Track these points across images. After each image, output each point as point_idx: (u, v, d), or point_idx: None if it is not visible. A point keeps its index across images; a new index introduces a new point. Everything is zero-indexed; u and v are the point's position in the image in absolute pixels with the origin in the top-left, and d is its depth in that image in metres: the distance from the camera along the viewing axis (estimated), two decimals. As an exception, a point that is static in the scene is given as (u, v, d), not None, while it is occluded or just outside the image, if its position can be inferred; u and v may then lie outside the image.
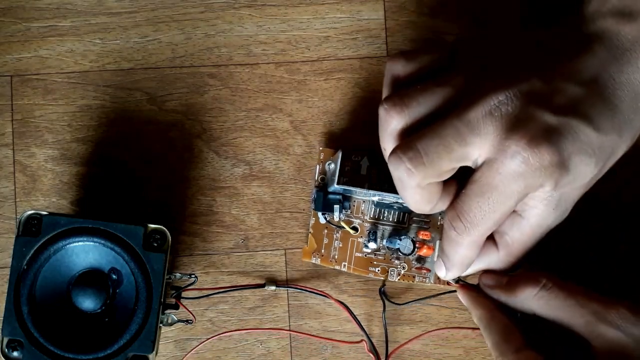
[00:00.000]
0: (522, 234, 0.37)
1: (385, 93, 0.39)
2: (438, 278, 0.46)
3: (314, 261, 0.46)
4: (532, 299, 0.38)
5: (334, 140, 0.47)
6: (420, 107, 0.35)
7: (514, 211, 0.36)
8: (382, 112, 0.36)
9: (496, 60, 0.36)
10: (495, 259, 0.38)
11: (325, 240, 0.46)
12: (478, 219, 0.35)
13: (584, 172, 0.34)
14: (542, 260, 0.42)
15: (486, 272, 0.40)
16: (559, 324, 0.37)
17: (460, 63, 0.37)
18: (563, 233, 0.40)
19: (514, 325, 0.39)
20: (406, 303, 0.46)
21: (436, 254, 0.46)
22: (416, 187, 0.35)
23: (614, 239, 0.46)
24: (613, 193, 0.46)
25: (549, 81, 0.34)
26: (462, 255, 0.37)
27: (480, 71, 0.35)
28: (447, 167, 0.34)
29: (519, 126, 0.33)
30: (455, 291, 0.46)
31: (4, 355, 0.40)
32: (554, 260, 0.45)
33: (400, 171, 0.35)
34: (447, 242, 0.37)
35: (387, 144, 0.37)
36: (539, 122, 0.33)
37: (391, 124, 0.36)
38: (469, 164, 0.35)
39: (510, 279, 0.39)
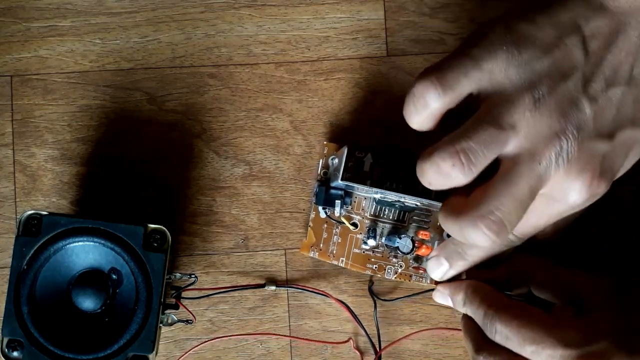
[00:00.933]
0: (538, 217, 0.37)
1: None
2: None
3: (312, 255, 0.46)
4: (528, 263, 0.42)
5: (337, 138, 0.47)
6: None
7: None
8: (420, 87, 0.36)
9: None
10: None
11: (325, 235, 0.46)
12: (500, 212, 0.34)
13: (627, 168, 0.37)
14: (557, 251, 0.43)
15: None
16: (550, 287, 0.41)
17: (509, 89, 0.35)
18: (578, 224, 0.41)
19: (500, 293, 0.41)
20: (394, 299, 0.46)
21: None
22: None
23: (629, 230, 0.47)
24: (630, 188, 0.46)
25: (592, 101, 0.34)
26: (482, 256, 0.40)
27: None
28: (485, 150, 0.34)
29: (580, 166, 0.34)
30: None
31: (4, 355, 0.40)
32: (569, 251, 0.45)
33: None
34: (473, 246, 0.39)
35: (421, 119, 0.38)
36: (595, 156, 0.34)
37: (433, 109, 0.36)
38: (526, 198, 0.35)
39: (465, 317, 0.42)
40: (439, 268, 0.41)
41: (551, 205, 0.36)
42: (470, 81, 0.34)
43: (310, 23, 0.48)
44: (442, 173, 0.34)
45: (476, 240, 0.34)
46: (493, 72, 0.34)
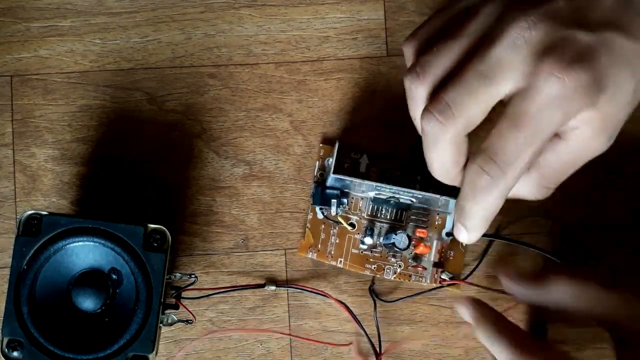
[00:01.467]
0: (559, 159, 0.34)
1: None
2: (435, 278, 0.46)
3: (310, 256, 0.46)
4: (565, 291, 0.35)
5: (334, 140, 0.47)
6: (440, 67, 0.33)
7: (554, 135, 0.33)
8: (406, 83, 0.35)
9: None
10: (526, 188, 0.35)
11: (322, 236, 0.46)
12: (514, 155, 0.32)
13: (623, 86, 0.32)
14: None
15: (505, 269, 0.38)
16: (593, 317, 0.35)
17: (475, 6, 0.34)
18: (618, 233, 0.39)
19: (526, 332, 0.36)
20: (395, 300, 0.46)
21: (433, 251, 0.46)
22: (449, 142, 0.33)
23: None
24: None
25: None
26: (490, 207, 0.34)
27: (496, 6, 0.33)
28: (478, 111, 0.32)
29: (550, 50, 0.31)
30: (443, 286, 0.46)
31: (4, 355, 0.40)
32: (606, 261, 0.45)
33: (432, 126, 0.33)
34: (473, 196, 0.33)
35: (417, 112, 0.35)
36: (571, 43, 0.31)
37: (417, 94, 0.34)
38: (500, 99, 0.33)
39: (538, 273, 0.36)
40: (461, 231, 0.36)
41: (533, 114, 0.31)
42: None
43: (310, 23, 0.48)
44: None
45: (427, 127, 0.33)
46: None
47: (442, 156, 0.34)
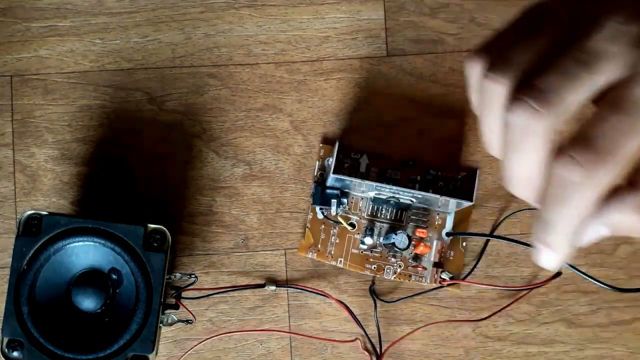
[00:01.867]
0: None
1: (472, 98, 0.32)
2: (435, 278, 0.46)
3: (310, 256, 0.46)
4: None
5: (334, 140, 0.47)
6: (524, 60, 0.30)
7: None
8: (487, 82, 0.30)
9: None
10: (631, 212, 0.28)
11: (322, 236, 0.46)
12: (615, 142, 0.27)
13: None
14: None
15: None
16: None
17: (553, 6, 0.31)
18: None
19: None
20: (395, 300, 0.46)
21: (433, 251, 0.46)
22: (541, 135, 0.28)
23: None
24: None
25: None
26: (581, 211, 0.28)
27: (578, 3, 0.30)
28: (576, 99, 0.29)
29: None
30: (443, 286, 0.46)
31: (4, 355, 0.40)
32: None
33: (525, 116, 0.28)
34: (562, 198, 0.28)
35: (490, 114, 0.30)
36: None
37: (495, 90, 0.29)
38: (600, 86, 0.29)
39: None
40: (543, 253, 0.29)
41: None
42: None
43: (310, 23, 0.48)
44: (485, 91, 0.30)
45: (518, 118, 0.28)
46: None
47: (530, 157, 0.29)
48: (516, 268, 0.47)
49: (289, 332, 0.46)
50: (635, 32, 0.29)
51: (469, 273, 0.46)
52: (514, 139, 0.29)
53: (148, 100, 0.47)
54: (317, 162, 0.47)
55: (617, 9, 0.29)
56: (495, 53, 0.31)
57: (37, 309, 0.40)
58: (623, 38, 0.29)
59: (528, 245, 0.46)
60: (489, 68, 0.30)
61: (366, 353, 0.46)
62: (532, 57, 0.30)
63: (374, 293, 0.46)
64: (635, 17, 0.29)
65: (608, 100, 0.29)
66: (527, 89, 0.29)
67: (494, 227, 0.47)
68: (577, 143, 0.28)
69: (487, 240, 0.47)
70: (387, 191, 0.44)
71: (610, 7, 0.30)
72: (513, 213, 0.47)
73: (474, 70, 0.31)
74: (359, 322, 0.46)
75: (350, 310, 0.46)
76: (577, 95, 0.29)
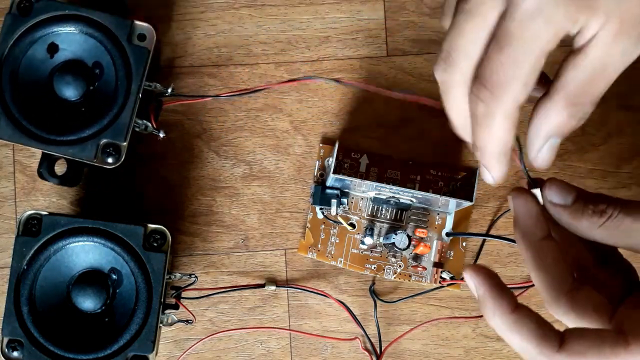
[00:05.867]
0: (583, 73, 0.30)
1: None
2: (435, 278, 0.46)
3: (310, 256, 0.46)
4: (595, 230, 0.33)
5: (334, 140, 0.47)
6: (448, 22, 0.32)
7: (572, 51, 0.30)
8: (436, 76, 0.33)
9: None
10: (555, 115, 0.31)
11: (322, 236, 0.46)
12: (503, 76, 0.30)
13: None
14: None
15: (553, 182, 0.34)
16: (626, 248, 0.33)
17: None
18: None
19: (566, 260, 0.33)
20: (395, 301, 0.46)
21: (433, 251, 0.46)
22: (456, 87, 0.32)
23: None
24: None
25: None
26: (497, 137, 0.31)
27: None
28: (471, 48, 0.31)
29: None
30: (443, 286, 0.46)
31: (4, 355, 0.40)
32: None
33: (440, 76, 0.32)
34: (477, 128, 0.32)
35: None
36: None
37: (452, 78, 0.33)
38: (488, 30, 0.31)
39: (576, 202, 0.33)
40: (484, 172, 0.34)
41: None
42: None
43: (310, 23, 0.48)
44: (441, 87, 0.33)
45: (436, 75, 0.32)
46: None
47: (454, 105, 0.33)
48: (515, 268, 0.47)
49: (289, 330, 0.46)
50: None
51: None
52: (441, 92, 0.33)
53: (148, 100, 0.47)
54: (317, 162, 0.47)
55: None
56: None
57: (37, 309, 0.40)
58: None
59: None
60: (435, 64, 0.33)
61: (366, 353, 0.46)
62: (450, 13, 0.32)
63: (374, 293, 0.46)
64: None
65: (493, 39, 0.30)
66: (439, 53, 0.32)
67: (490, 227, 0.47)
68: (475, 81, 0.31)
69: (484, 240, 0.47)
70: (387, 191, 0.44)
71: None
72: (508, 211, 0.47)
73: None
74: (359, 322, 0.46)
75: (350, 310, 0.46)
76: (470, 43, 0.31)
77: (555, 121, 0.31)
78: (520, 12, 0.29)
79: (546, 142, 0.32)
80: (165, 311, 0.43)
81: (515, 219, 0.33)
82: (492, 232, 0.47)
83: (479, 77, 0.31)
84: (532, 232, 0.33)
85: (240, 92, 0.47)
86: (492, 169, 0.33)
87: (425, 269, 0.46)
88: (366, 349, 0.46)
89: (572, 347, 0.30)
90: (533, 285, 0.36)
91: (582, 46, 0.30)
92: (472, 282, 0.33)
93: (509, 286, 0.45)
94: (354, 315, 0.46)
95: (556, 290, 0.32)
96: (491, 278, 0.33)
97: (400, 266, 0.46)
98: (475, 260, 0.47)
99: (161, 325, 0.42)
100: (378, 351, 0.46)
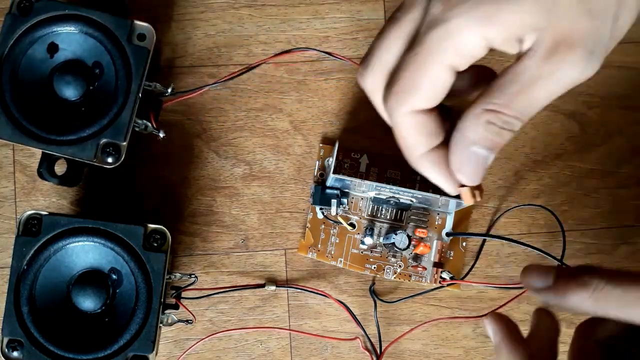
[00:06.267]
0: (508, 81, 0.28)
1: None
2: (435, 278, 0.46)
3: (310, 256, 0.46)
4: (585, 302, 0.32)
5: (334, 140, 0.47)
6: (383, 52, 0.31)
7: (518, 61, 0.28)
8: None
9: None
10: (475, 120, 0.29)
11: (322, 236, 0.46)
12: (407, 81, 0.29)
13: None
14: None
15: (530, 269, 0.33)
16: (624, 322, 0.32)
17: None
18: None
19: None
20: (395, 301, 0.46)
21: (433, 251, 0.46)
22: (368, 91, 0.32)
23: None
24: None
25: None
26: (407, 137, 0.31)
27: None
28: (389, 53, 0.31)
29: None
30: (444, 286, 0.46)
31: (4, 355, 0.40)
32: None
33: (359, 80, 0.32)
34: (393, 133, 0.31)
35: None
36: None
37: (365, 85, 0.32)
38: (407, 36, 0.30)
39: (558, 281, 0.32)
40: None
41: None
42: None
43: (310, 23, 0.48)
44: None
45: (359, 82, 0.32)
46: None
47: (378, 109, 0.33)
48: (516, 268, 0.47)
49: (289, 329, 0.46)
50: None
51: (468, 272, 0.46)
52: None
53: (148, 100, 0.47)
54: (317, 162, 0.47)
55: None
56: None
57: (37, 309, 0.40)
58: None
59: (528, 245, 0.46)
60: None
61: (366, 353, 0.46)
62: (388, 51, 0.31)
63: (374, 293, 0.46)
64: None
65: (407, 46, 0.30)
66: (361, 61, 0.32)
67: (490, 227, 0.47)
68: (389, 81, 0.30)
69: (484, 240, 0.47)
70: (387, 191, 0.44)
71: None
72: (508, 210, 0.47)
73: None
74: (359, 322, 0.46)
75: (350, 311, 0.46)
76: (388, 49, 0.30)
77: (473, 126, 0.29)
78: (427, 22, 0.28)
79: (466, 149, 0.29)
80: (165, 311, 0.43)
81: None
82: (492, 232, 0.47)
83: (391, 78, 0.30)
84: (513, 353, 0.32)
85: (232, 76, 0.47)
86: (415, 166, 0.31)
87: (425, 269, 0.46)
88: (366, 349, 0.46)
89: None
90: None
91: (518, 56, 0.28)
92: (491, 328, 0.33)
93: (508, 286, 0.46)
94: (354, 315, 0.46)
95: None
96: (509, 327, 0.34)
97: (400, 266, 0.46)
98: (475, 260, 0.47)
99: (161, 325, 0.42)
100: (378, 351, 0.46)
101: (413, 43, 0.29)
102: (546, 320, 0.35)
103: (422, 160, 0.31)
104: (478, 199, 0.32)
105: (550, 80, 0.27)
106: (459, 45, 0.27)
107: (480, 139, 0.29)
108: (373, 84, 0.32)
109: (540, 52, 0.27)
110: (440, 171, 0.31)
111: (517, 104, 0.28)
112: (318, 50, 0.48)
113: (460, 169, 0.30)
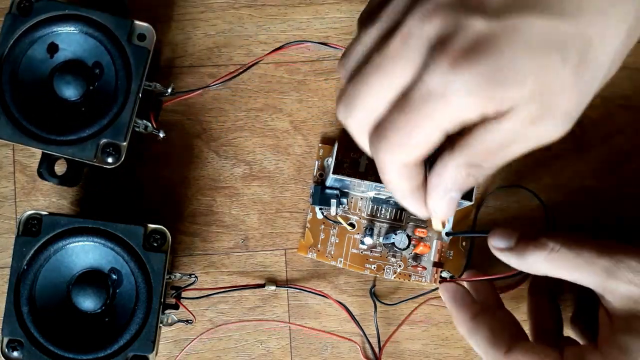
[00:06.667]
0: (487, 138, 0.30)
1: None
2: (435, 278, 0.46)
3: (309, 256, 0.46)
4: (541, 263, 0.36)
5: (333, 139, 0.47)
6: (353, 61, 0.32)
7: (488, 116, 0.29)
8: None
9: None
10: (453, 171, 0.31)
11: (322, 236, 0.46)
12: (394, 136, 0.30)
13: (547, 74, 0.28)
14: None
15: (495, 232, 0.38)
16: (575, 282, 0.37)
17: None
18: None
19: (504, 323, 0.38)
20: (395, 303, 0.46)
21: (433, 251, 0.46)
22: (354, 132, 0.33)
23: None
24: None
25: None
26: (392, 183, 0.32)
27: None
28: (376, 103, 0.31)
29: (441, 42, 0.28)
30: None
31: (4, 355, 0.40)
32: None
33: (340, 116, 0.32)
34: (379, 171, 0.33)
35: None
36: (463, 33, 0.27)
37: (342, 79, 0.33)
38: (397, 91, 0.31)
39: (519, 243, 0.37)
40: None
41: (433, 103, 0.29)
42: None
43: (310, 23, 0.48)
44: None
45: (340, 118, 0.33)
46: None
47: (359, 142, 0.34)
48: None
49: (288, 323, 0.46)
50: (430, 31, 0.29)
51: (464, 271, 0.46)
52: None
53: (148, 100, 0.47)
54: (317, 162, 0.47)
55: (419, 3, 0.29)
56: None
57: (37, 309, 0.40)
58: (418, 38, 0.29)
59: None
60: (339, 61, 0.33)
61: (365, 355, 0.46)
62: (359, 56, 0.32)
63: (374, 296, 0.46)
64: (434, 13, 0.29)
65: (398, 99, 0.30)
66: (340, 94, 0.32)
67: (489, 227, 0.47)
68: (376, 129, 0.31)
69: (473, 238, 0.47)
70: (386, 191, 0.44)
71: (415, 3, 0.29)
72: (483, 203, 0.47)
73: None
74: (358, 323, 0.46)
75: (350, 312, 0.46)
76: (375, 98, 0.31)
77: (453, 177, 0.31)
78: (426, 89, 0.29)
79: (445, 195, 0.32)
80: (165, 311, 0.43)
81: (447, 305, 0.40)
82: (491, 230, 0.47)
83: (380, 127, 0.31)
84: (461, 314, 0.38)
85: (231, 76, 0.47)
86: (409, 206, 0.33)
87: (425, 268, 0.46)
88: (364, 353, 0.46)
89: (515, 356, 0.36)
90: (519, 273, 0.39)
91: (497, 114, 0.29)
92: (443, 296, 0.40)
93: (507, 275, 0.45)
94: (354, 316, 0.46)
95: (492, 355, 0.37)
96: (457, 294, 0.40)
97: (400, 266, 0.46)
98: (468, 259, 0.47)
99: (161, 325, 0.42)
100: (377, 354, 0.46)
101: (406, 100, 0.29)
102: (483, 284, 0.41)
103: (403, 197, 0.33)
104: (445, 224, 0.37)
105: (529, 140, 0.29)
106: (457, 118, 0.28)
107: (457, 185, 0.31)
108: (357, 127, 0.32)
109: (525, 117, 0.28)
110: (418, 205, 0.33)
111: (496, 159, 0.30)
112: (313, 42, 0.47)
113: (437, 209, 0.32)
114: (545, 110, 0.29)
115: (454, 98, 0.28)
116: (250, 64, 0.47)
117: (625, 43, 0.29)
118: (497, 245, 0.38)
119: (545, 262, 0.36)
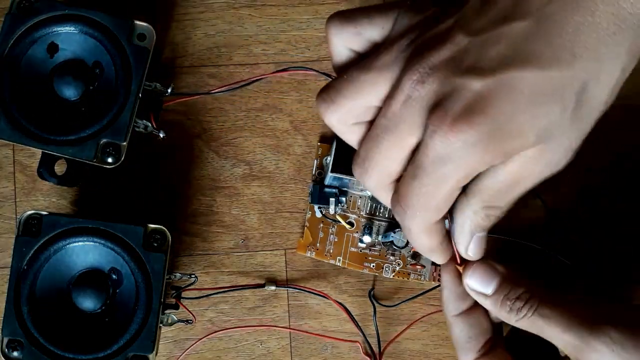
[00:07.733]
0: (496, 182, 0.31)
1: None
2: (434, 276, 0.46)
3: (308, 254, 0.46)
4: (513, 322, 0.36)
5: (332, 138, 0.47)
6: (349, 100, 0.32)
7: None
8: (317, 106, 0.34)
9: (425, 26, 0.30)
10: (472, 215, 0.33)
11: (321, 234, 0.46)
12: (415, 202, 0.31)
13: (547, 123, 0.28)
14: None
15: (475, 270, 0.36)
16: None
17: (392, 36, 0.32)
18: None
19: (484, 324, 0.37)
20: (394, 305, 0.46)
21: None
22: (374, 190, 0.34)
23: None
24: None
25: (473, 33, 0.28)
26: (419, 243, 0.34)
27: (407, 45, 0.31)
28: (389, 162, 0.32)
29: (439, 104, 0.28)
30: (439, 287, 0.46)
31: (4, 355, 0.40)
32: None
33: (357, 175, 0.33)
34: (405, 232, 0.34)
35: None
36: (460, 94, 0.28)
37: (327, 120, 0.33)
38: (409, 150, 0.31)
39: (497, 291, 0.36)
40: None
41: (430, 165, 0.30)
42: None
43: (310, 23, 0.48)
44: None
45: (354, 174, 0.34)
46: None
47: (381, 198, 0.35)
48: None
49: (289, 328, 0.46)
50: (427, 93, 0.29)
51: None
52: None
53: (148, 100, 0.47)
54: (315, 161, 0.47)
55: (416, 64, 0.29)
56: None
57: (37, 309, 0.40)
58: (416, 100, 0.29)
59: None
60: (320, 92, 0.34)
61: (367, 358, 0.46)
62: (355, 101, 0.32)
63: (373, 297, 0.46)
64: (431, 74, 0.29)
65: (411, 163, 0.31)
66: (355, 156, 0.33)
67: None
68: (395, 194, 0.32)
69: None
70: None
71: (413, 61, 0.30)
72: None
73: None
74: (358, 324, 0.46)
75: (350, 313, 0.46)
76: (388, 159, 0.32)
77: (474, 221, 0.33)
78: (433, 154, 0.29)
79: (471, 237, 0.33)
80: (165, 311, 0.43)
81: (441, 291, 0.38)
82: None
83: (397, 192, 0.32)
84: (450, 307, 0.37)
85: (232, 86, 0.47)
86: (433, 259, 0.35)
87: (424, 267, 0.46)
88: (366, 353, 0.46)
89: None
90: None
91: (503, 160, 0.30)
92: (442, 278, 0.38)
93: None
94: (353, 317, 0.46)
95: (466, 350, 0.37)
96: (455, 281, 0.38)
97: (399, 264, 0.46)
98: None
99: (161, 325, 0.42)
100: (377, 356, 0.45)
101: (418, 166, 0.30)
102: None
103: (431, 251, 0.34)
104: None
105: (536, 176, 0.31)
106: (469, 174, 0.30)
107: (480, 228, 0.33)
108: (375, 186, 0.33)
109: (529, 159, 0.30)
110: (446, 256, 0.35)
111: (507, 198, 0.32)
112: (317, 71, 0.47)
113: (470, 254, 0.34)
114: (547, 151, 0.30)
115: (461, 159, 0.29)
116: (254, 79, 0.47)
117: (621, 79, 0.29)
118: (473, 287, 0.36)
119: (517, 323, 0.36)
